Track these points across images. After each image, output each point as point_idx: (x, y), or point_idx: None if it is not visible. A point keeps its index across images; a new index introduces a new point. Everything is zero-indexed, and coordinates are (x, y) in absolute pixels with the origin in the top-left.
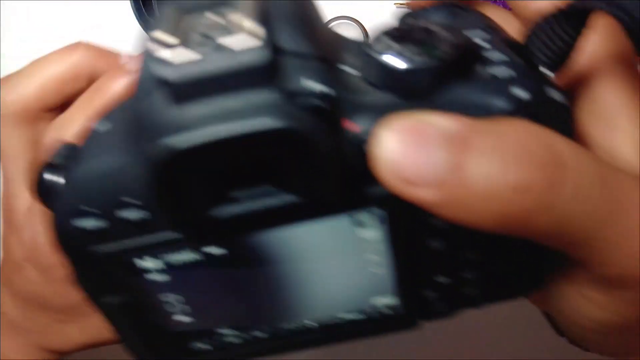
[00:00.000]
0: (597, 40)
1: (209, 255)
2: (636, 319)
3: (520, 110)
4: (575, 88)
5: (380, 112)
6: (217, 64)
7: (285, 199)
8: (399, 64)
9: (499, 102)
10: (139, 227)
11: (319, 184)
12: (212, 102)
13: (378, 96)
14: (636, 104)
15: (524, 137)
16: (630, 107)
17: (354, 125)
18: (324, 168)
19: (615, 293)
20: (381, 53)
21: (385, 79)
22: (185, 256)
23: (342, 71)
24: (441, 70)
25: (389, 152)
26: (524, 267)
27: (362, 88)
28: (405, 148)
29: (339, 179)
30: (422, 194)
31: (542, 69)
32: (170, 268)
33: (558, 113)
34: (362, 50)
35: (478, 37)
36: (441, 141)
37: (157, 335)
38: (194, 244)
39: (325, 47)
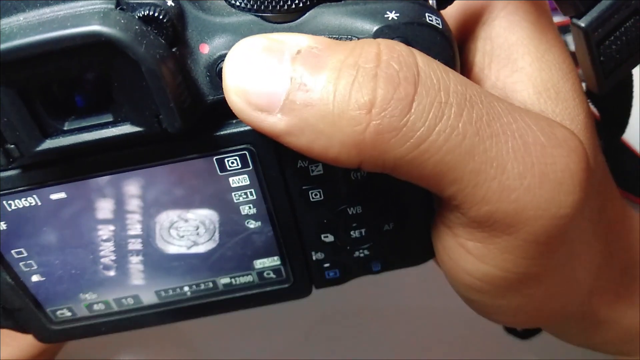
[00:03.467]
0: None
1: (48, 200)
2: (514, 271)
3: (387, 31)
4: (471, 27)
5: (239, 34)
6: None
7: (125, 129)
8: None
9: (368, 25)
10: None
11: (162, 111)
12: (34, 13)
13: (241, 18)
14: (539, 43)
15: (380, 54)
16: (531, 47)
17: (205, 47)
18: (161, 89)
19: (491, 241)
20: None
21: (250, 1)
22: (24, 202)
23: None
24: None
25: (237, 75)
26: (412, 226)
27: (226, 11)
28: (253, 69)
29: (190, 110)
30: (273, 121)
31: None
32: (10, 216)
33: (433, 38)
34: None
35: None
36: (290, 60)
37: (12, 298)
38: (30, 182)
39: None
